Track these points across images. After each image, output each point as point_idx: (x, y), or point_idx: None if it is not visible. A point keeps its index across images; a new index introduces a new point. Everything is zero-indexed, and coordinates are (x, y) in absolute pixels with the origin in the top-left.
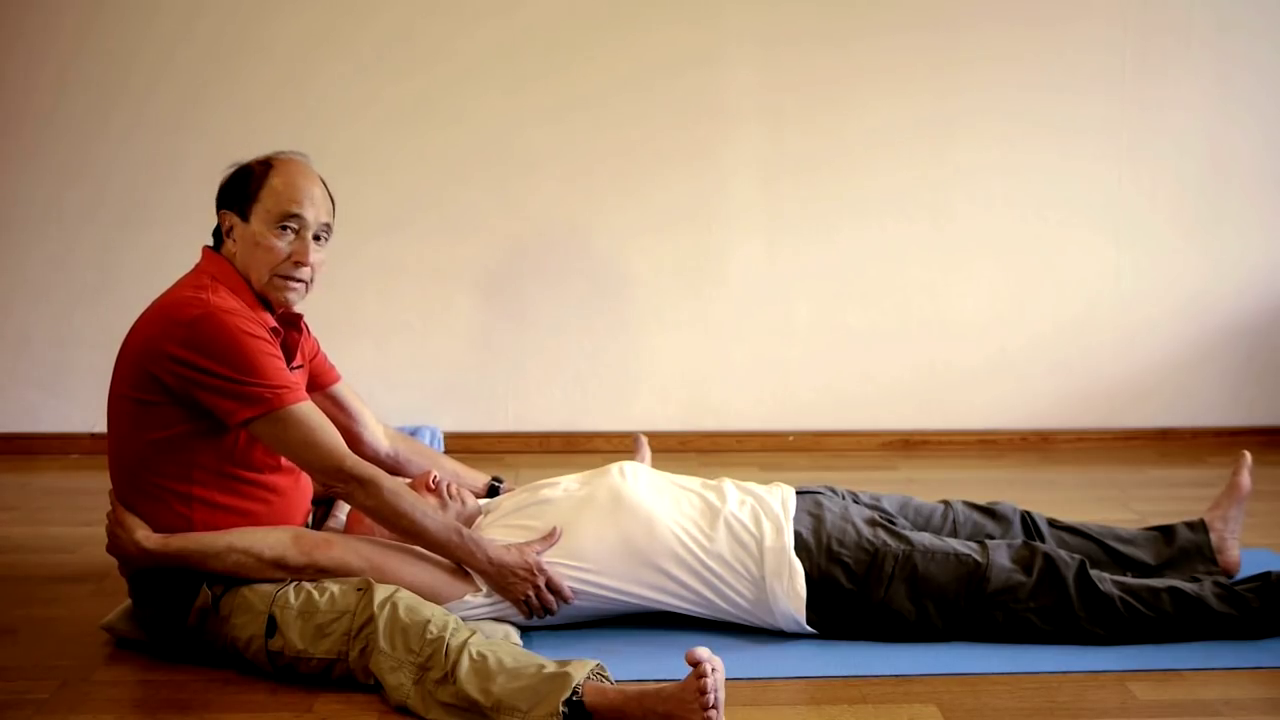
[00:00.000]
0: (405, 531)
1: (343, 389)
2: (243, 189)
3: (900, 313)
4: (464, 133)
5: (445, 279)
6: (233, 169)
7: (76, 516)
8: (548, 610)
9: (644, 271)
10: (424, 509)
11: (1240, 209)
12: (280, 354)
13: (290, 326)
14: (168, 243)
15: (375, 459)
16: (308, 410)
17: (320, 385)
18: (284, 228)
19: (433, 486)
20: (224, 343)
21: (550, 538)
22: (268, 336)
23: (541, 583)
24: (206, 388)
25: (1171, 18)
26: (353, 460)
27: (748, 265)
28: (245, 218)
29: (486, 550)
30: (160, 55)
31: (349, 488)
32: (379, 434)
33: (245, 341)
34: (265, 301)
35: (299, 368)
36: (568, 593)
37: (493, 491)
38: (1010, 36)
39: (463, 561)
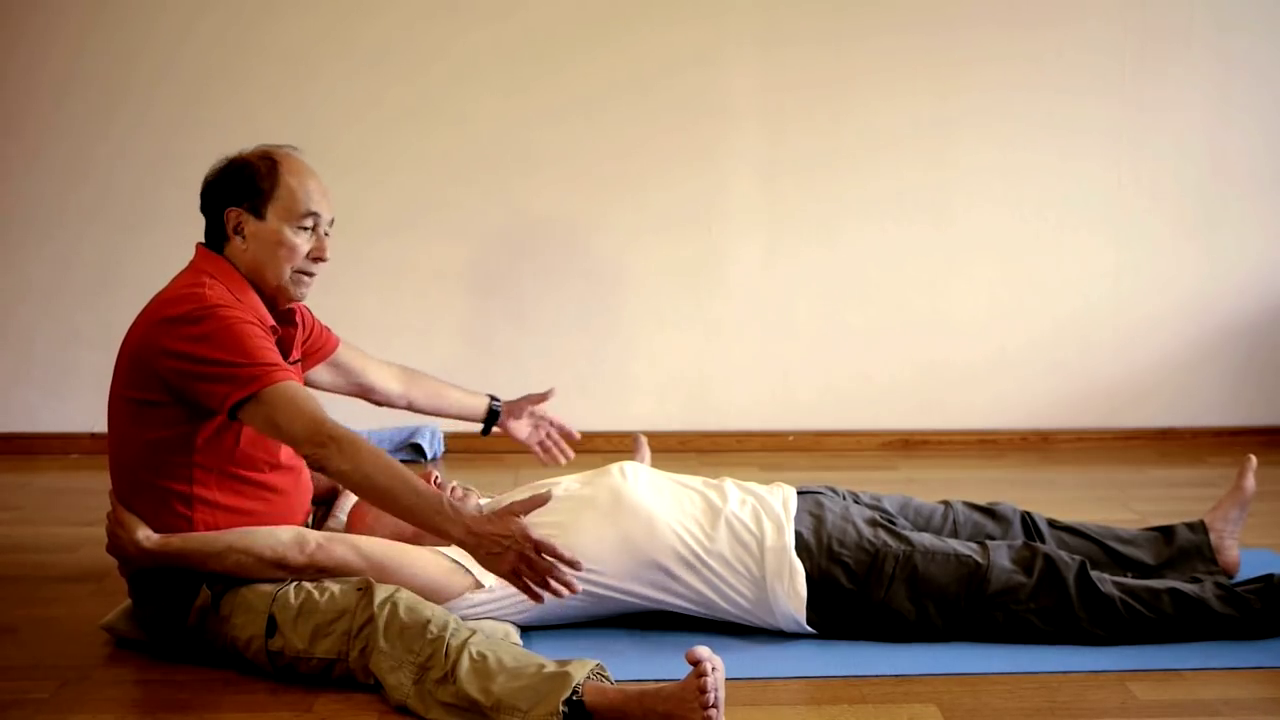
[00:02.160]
0: (385, 493)
1: (345, 352)
2: (251, 186)
3: (900, 312)
4: (465, 134)
5: (446, 280)
6: (228, 165)
7: (77, 516)
8: (550, 586)
9: (644, 272)
10: (405, 474)
11: (1240, 209)
12: (271, 340)
13: (286, 322)
14: (170, 243)
15: (389, 404)
16: (294, 387)
17: (324, 354)
18: (303, 226)
19: (433, 486)
20: (215, 331)
21: (536, 500)
22: (260, 325)
23: (530, 550)
24: (200, 377)
25: (1171, 19)
26: (332, 423)
27: (748, 265)
28: (260, 215)
29: (465, 519)
30: (162, 56)
31: (327, 450)
32: (387, 378)
33: (237, 326)
34: (265, 298)
35: (296, 362)
36: (567, 555)
37: (492, 413)
38: (1010, 38)
39: (440, 531)
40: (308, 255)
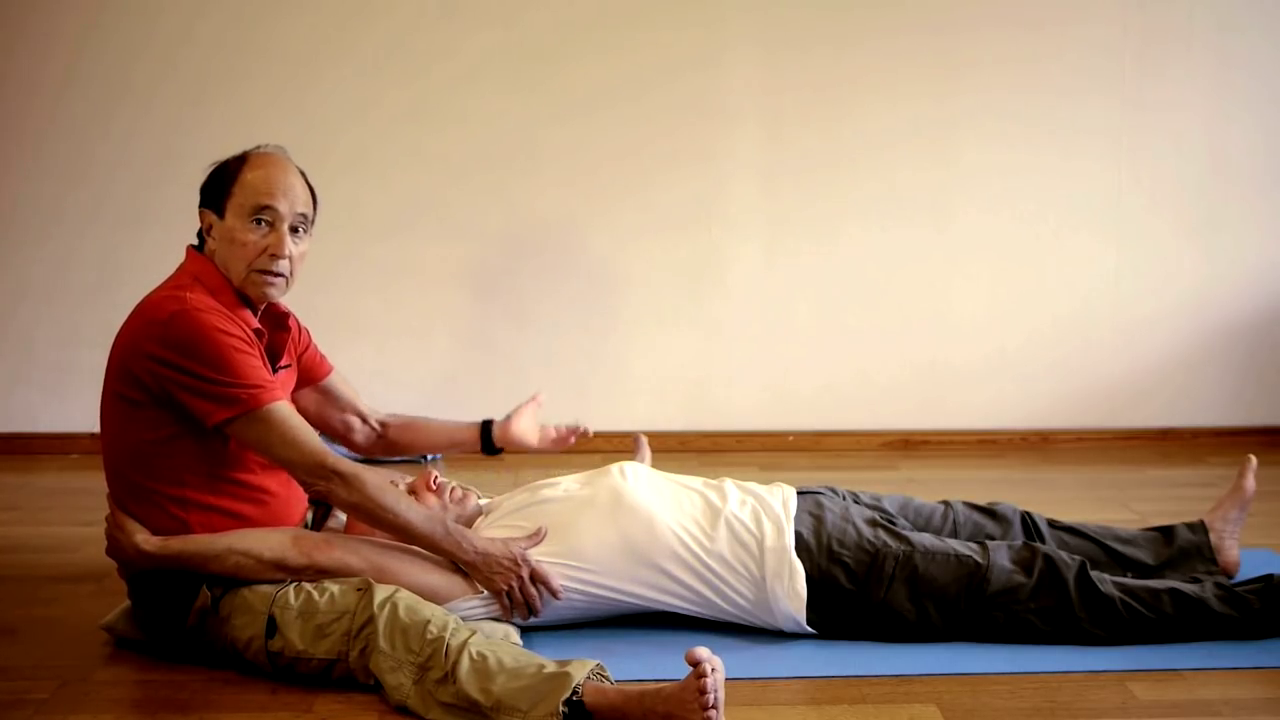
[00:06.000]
0: (390, 526)
1: (335, 381)
2: (218, 185)
3: (900, 312)
4: (465, 135)
5: (446, 280)
6: (211, 167)
7: (77, 516)
8: (530, 607)
9: (644, 272)
10: (408, 503)
11: (1240, 209)
12: (255, 353)
13: (278, 327)
14: (169, 244)
15: (366, 447)
16: (285, 410)
17: (313, 379)
18: (258, 221)
19: (433, 487)
20: (197, 341)
21: (536, 536)
22: (243, 335)
23: (525, 574)
24: (183, 387)
25: (1171, 19)
26: (334, 456)
27: (748, 266)
28: (221, 214)
29: (473, 541)
30: (163, 57)
31: (331, 484)
32: (371, 418)
33: (218, 339)
34: (247, 300)
35: (286, 366)
36: (555, 586)
37: (486, 430)
38: (1010, 39)
39: (449, 554)
40: (265, 252)
